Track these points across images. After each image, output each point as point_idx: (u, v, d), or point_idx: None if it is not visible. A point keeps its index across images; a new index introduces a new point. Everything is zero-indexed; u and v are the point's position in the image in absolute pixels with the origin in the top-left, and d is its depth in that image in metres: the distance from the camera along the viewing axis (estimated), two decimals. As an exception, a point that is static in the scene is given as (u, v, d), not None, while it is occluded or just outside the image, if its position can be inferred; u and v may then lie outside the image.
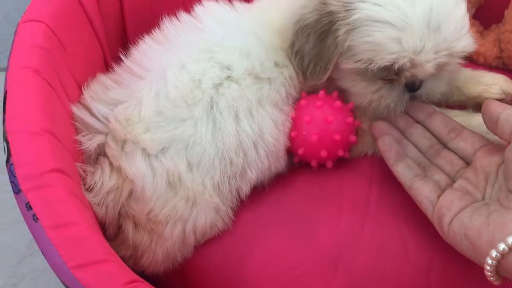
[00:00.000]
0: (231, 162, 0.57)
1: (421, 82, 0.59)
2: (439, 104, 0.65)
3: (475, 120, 0.62)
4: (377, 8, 0.54)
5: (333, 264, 0.56)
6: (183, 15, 0.64)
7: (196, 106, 0.57)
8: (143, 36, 0.64)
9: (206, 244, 0.59)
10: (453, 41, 0.55)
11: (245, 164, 0.58)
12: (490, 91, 0.66)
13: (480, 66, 0.75)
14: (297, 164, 0.65)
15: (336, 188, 0.62)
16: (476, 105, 0.66)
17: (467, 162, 0.56)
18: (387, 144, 0.58)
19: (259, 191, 0.62)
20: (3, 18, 1.01)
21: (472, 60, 0.75)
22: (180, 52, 0.60)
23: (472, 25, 0.76)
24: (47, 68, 0.54)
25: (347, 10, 0.56)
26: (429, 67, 0.55)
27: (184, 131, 0.56)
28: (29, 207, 0.46)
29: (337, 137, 0.59)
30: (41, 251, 0.47)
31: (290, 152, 0.63)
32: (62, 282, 0.46)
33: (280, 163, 0.62)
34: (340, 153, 0.60)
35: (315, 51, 0.58)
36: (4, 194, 0.71)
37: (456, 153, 0.57)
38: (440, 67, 0.57)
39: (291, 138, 0.61)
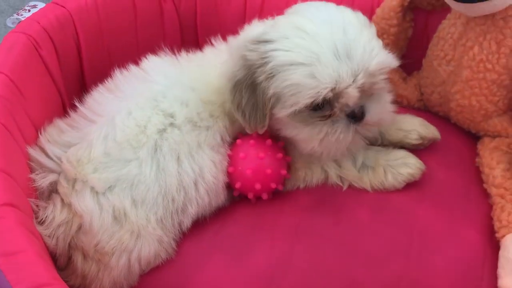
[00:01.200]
0: (173, 199, 0.64)
1: (361, 109, 0.62)
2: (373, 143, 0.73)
3: (393, 154, 0.70)
4: (287, 53, 0.60)
5: (266, 284, 0.62)
6: (132, 67, 0.72)
7: (141, 149, 0.63)
8: (99, 84, 0.71)
9: (150, 272, 0.64)
10: (365, 63, 0.59)
11: (186, 201, 0.64)
12: (409, 137, 0.73)
13: (404, 108, 0.83)
14: (237, 198, 0.71)
15: (270, 218, 0.68)
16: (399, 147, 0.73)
17: None
18: None
19: (201, 222, 0.68)
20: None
21: (397, 102, 0.84)
22: (128, 100, 0.67)
23: (395, 72, 0.86)
24: (5, 114, 0.60)
25: (263, 59, 0.61)
26: (353, 92, 0.60)
27: (130, 171, 0.63)
28: (-19, 237, 0.51)
29: (269, 171, 0.66)
30: (-8, 278, 0.51)
31: (230, 187, 0.69)
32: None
33: (220, 198, 0.68)
34: (273, 185, 0.67)
35: (251, 102, 0.63)
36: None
37: None
38: (368, 89, 0.62)
39: (229, 174, 0.68)
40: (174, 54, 0.74)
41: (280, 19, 0.66)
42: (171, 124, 0.65)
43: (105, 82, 0.71)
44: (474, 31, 0.71)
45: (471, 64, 0.72)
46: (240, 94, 0.63)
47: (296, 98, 0.60)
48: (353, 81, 0.59)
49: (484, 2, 0.64)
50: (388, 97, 0.66)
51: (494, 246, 0.64)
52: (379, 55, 0.61)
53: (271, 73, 0.61)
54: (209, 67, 0.70)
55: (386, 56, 0.62)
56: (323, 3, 0.66)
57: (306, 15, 0.63)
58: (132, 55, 0.83)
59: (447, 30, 0.75)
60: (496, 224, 0.65)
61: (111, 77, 0.72)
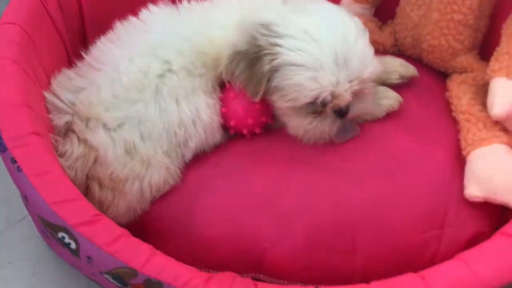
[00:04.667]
0: (175, 134, 0.71)
1: (347, 108, 0.70)
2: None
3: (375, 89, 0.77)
4: (292, 54, 0.66)
5: (263, 204, 0.70)
6: (132, 18, 0.78)
7: (145, 91, 0.70)
8: (100, 37, 0.78)
9: (160, 198, 0.72)
10: (360, 71, 0.67)
11: (187, 136, 0.72)
12: (391, 78, 0.83)
13: (380, 53, 0.91)
14: (233, 136, 0.78)
15: (265, 150, 0.76)
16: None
17: None
18: None
19: (202, 156, 0.75)
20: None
21: (374, 48, 0.92)
22: (129, 48, 0.73)
23: (371, 21, 0.94)
24: (23, 60, 0.67)
25: (271, 49, 0.67)
26: (347, 95, 0.68)
27: (137, 110, 0.70)
28: (14, 161, 0.58)
29: (258, 106, 0.73)
30: (25, 196, 0.59)
31: (225, 128, 0.77)
32: (43, 220, 0.59)
33: (216, 136, 0.75)
34: (264, 119, 0.75)
35: (245, 74, 0.69)
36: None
37: None
38: (358, 93, 0.69)
39: (223, 114, 0.75)
40: (175, 3, 0.79)
41: (290, 15, 0.70)
42: (169, 70, 0.72)
43: (106, 34, 0.78)
44: (441, -24, 0.79)
45: (440, 7, 0.81)
46: (237, 63, 0.70)
47: (297, 96, 0.68)
48: (349, 87, 0.67)
49: None
50: (372, 98, 0.74)
51: (461, 163, 0.73)
52: (371, 64, 0.69)
53: (276, 66, 0.67)
54: (207, 20, 0.76)
55: (376, 66, 0.70)
56: (328, 7, 0.73)
57: (312, 19, 0.69)
58: (129, 11, 0.89)
59: (417, -23, 0.83)
60: (463, 144, 0.73)
61: (109, 30, 0.78)
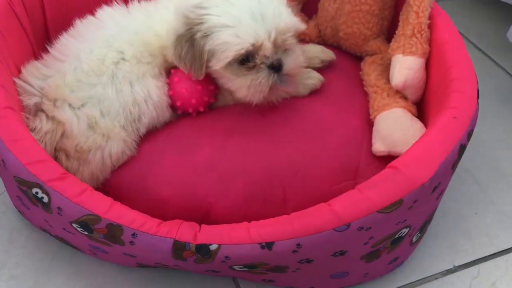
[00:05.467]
0: (130, 112, 0.83)
1: (279, 61, 0.79)
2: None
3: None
4: (217, 18, 0.78)
5: (207, 167, 0.83)
6: (89, 17, 0.91)
7: (103, 76, 0.83)
8: (61, 33, 0.90)
9: (119, 168, 0.84)
10: (276, 22, 0.78)
11: (140, 113, 0.84)
12: (312, 63, 0.97)
13: (306, 43, 1.07)
14: (181, 115, 0.91)
15: (209, 123, 0.89)
16: None
17: None
18: None
19: (154, 131, 0.88)
20: None
21: (301, 40, 1.08)
22: (89, 42, 0.86)
23: (299, 16, 1.10)
24: (-4, 50, 0.79)
25: (200, 19, 0.79)
26: (267, 45, 0.77)
27: (97, 92, 0.82)
28: (-8, 131, 0.70)
29: (199, 87, 0.87)
30: (3, 160, 0.70)
31: (174, 108, 0.90)
32: (19, 180, 0.70)
33: (165, 114, 0.88)
34: (205, 98, 0.88)
35: (189, 55, 0.80)
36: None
37: None
38: (281, 44, 0.79)
39: (170, 96, 0.88)
40: (127, 3, 0.93)
41: None
42: (122, 59, 0.85)
43: (67, 31, 0.90)
44: (349, -26, 0.96)
45: (351, 0, 0.97)
46: (181, 46, 0.82)
47: (226, 53, 0.78)
48: (268, 37, 0.77)
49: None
50: (299, 52, 0.84)
51: (370, 126, 0.89)
52: (287, 18, 0.79)
53: (206, 32, 0.79)
54: (152, 15, 0.89)
55: (292, 19, 0.80)
56: None
57: None
58: (85, 11, 1.02)
59: (331, -24, 1.00)
60: (371, 110, 0.89)
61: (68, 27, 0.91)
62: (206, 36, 0.79)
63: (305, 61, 0.95)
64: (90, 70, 0.83)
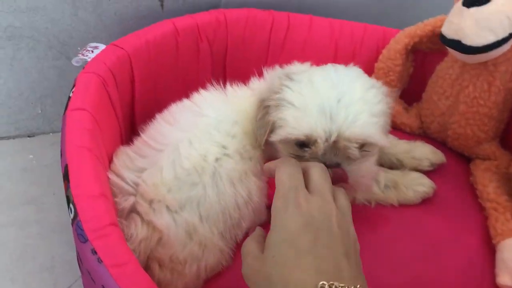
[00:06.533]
0: (230, 216, 0.75)
1: (335, 165, 0.68)
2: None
3: (409, 176, 0.85)
4: (291, 93, 0.71)
5: None
6: (185, 101, 0.83)
7: (204, 174, 0.74)
8: (148, 117, 0.82)
9: (213, 277, 0.76)
10: (342, 127, 0.67)
11: (240, 217, 0.76)
12: (422, 165, 0.89)
13: (407, 133, 0.99)
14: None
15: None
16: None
17: None
18: None
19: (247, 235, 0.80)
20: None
21: (401, 129, 1.00)
22: (187, 131, 0.78)
23: (398, 103, 1.02)
24: (94, 146, 0.70)
25: (280, 88, 0.72)
26: (320, 144, 0.67)
27: (197, 193, 0.74)
28: (94, 252, 0.62)
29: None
30: (103, 286, 0.62)
31: (269, 207, 0.81)
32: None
33: (262, 216, 0.80)
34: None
35: (262, 120, 0.74)
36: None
37: None
38: (343, 150, 0.68)
39: (269, 196, 0.80)
40: (220, 86, 0.85)
41: (313, 68, 0.78)
42: (225, 154, 0.76)
43: (162, 114, 0.83)
44: (469, 74, 0.87)
45: (467, 100, 0.88)
46: (259, 109, 0.76)
47: (281, 130, 0.72)
48: (324, 137, 0.67)
49: (482, 53, 0.80)
50: (369, 164, 0.72)
51: (491, 249, 0.79)
52: (359, 128, 0.67)
53: (276, 102, 0.72)
54: (246, 100, 0.81)
55: (367, 132, 0.67)
56: (349, 69, 0.76)
57: (323, 72, 0.74)
58: (171, 88, 0.96)
59: (445, 71, 0.91)
60: (492, 232, 0.80)
61: (155, 108, 0.83)
62: (276, 106, 0.73)
63: (412, 161, 0.87)
64: (191, 167, 0.75)
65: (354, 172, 0.70)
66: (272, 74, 0.79)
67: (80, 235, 0.63)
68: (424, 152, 0.90)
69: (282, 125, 0.70)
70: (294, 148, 0.71)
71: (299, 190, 0.56)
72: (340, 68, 0.75)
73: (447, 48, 0.84)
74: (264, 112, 0.75)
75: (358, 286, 0.48)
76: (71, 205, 0.64)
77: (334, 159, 0.68)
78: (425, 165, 0.89)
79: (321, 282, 0.47)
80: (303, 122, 0.68)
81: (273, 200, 0.57)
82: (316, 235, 0.52)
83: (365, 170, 0.71)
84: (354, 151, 0.68)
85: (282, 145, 0.74)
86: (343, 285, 0.48)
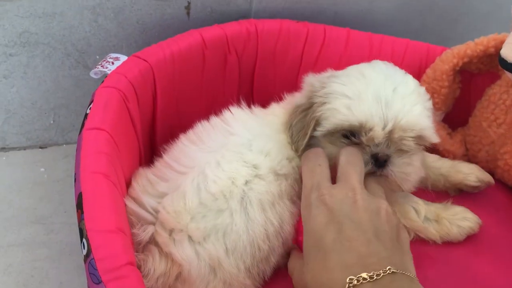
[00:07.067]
0: (259, 249, 0.67)
1: (385, 156, 0.65)
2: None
3: (452, 209, 0.77)
4: (340, 86, 0.68)
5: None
6: (214, 118, 0.76)
7: (232, 199, 0.66)
8: (168, 135, 0.75)
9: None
10: (398, 115, 0.65)
11: (270, 250, 0.68)
12: (468, 179, 0.82)
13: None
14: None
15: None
16: (457, 190, 0.83)
17: None
18: None
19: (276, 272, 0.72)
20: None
21: (444, 156, 0.91)
22: (214, 152, 0.70)
23: (442, 127, 0.93)
24: (112, 171, 0.63)
25: (322, 86, 0.70)
26: (378, 131, 0.64)
27: (224, 221, 0.66)
28: (108, 296, 0.54)
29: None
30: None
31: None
32: None
33: (289, 250, 0.72)
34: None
35: (299, 123, 0.70)
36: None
37: None
38: (397, 142, 0.66)
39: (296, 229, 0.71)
40: (248, 105, 0.78)
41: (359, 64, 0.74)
42: (256, 176, 0.69)
43: (186, 134, 0.75)
44: (526, 100, 0.79)
45: (522, 129, 0.80)
46: (295, 115, 0.71)
47: (329, 120, 0.67)
48: (382, 124, 0.65)
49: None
50: (417, 162, 0.69)
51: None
52: (415, 118, 0.66)
53: (323, 98, 0.68)
54: (281, 114, 0.75)
55: (422, 122, 0.66)
56: (394, 66, 0.73)
57: (374, 66, 0.71)
58: (195, 103, 0.88)
59: (499, 96, 0.83)
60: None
61: (177, 124, 0.76)
62: (322, 102, 0.68)
63: (457, 177, 0.83)
64: (218, 191, 0.67)
65: (401, 165, 0.67)
66: (310, 80, 0.74)
67: (93, 275, 0.55)
68: (471, 168, 0.83)
69: (331, 115, 0.67)
70: (340, 140, 0.67)
71: (321, 186, 0.59)
72: (389, 63, 0.73)
73: (506, 72, 0.75)
74: (303, 115, 0.70)
75: (388, 268, 0.49)
76: (84, 240, 0.57)
77: (386, 151, 0.66)
78: (472, 180, 0.82)
79: (348, 278, 0.48)
80: (358, 110, 0.65)
81: (301, 206, 0.62)
82: (339, 228, 0.54)
83: (413, 165, 0.68)
84: (409, 142, 0.66)
85: (327, 139, 0.68)
86: (371, 274, 0.48)
